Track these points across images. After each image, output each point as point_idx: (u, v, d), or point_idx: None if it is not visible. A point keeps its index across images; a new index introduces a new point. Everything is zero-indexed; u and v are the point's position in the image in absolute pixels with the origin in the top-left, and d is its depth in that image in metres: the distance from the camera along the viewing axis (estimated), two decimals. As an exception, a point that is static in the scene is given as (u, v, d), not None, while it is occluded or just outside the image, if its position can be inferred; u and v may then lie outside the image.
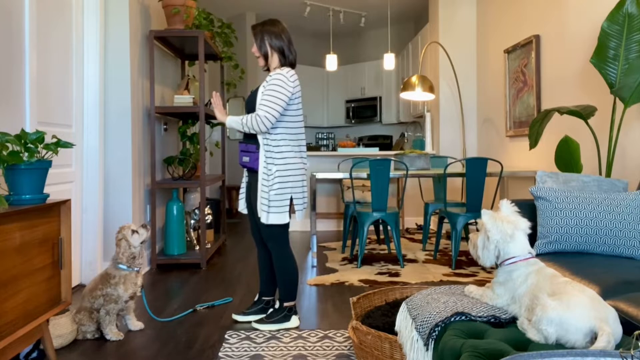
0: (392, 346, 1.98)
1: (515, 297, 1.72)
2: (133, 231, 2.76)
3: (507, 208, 1.84)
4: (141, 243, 2.78)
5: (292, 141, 2.79)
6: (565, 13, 4.14)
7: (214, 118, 5.03)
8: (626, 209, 2.40)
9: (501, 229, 1.78)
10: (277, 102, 2.68)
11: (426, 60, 6.89)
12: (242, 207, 3.01)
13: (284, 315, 2.85)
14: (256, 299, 3.04)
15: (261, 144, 2.77)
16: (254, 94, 2.83)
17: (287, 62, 2.83)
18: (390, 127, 9.20)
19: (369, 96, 9.25)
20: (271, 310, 2.93)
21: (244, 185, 3.00)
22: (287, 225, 2.81)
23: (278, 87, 2.70)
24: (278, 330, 2.80)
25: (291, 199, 2.77)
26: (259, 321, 2.86)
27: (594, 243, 2.42)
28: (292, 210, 2.80)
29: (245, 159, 2.83)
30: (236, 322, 2.94)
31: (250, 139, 2.85)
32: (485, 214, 1.82)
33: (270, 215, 2.73)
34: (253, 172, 2.85)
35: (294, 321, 2.85)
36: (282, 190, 2.73)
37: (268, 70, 2.89)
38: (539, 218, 2.55)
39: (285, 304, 2.86)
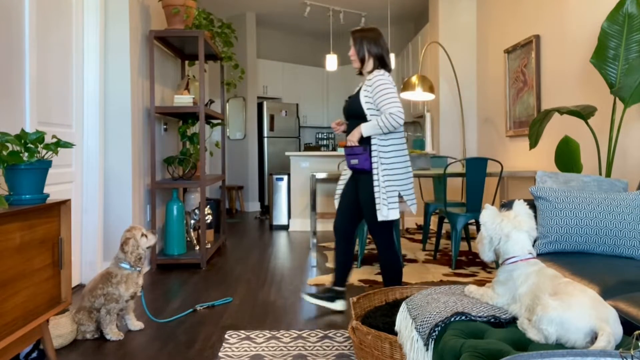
0: (392, 346, 1.97)
1: (516, 297, 1.72)
2: (142, 234, 2.79)
3: (519, 208, 1.83)
4: (147, 248, 2.81)
5: (398, 139, 2.96)
6: (565, 13, 4.14)
7: (214, 118, 5.03)
8: (626, 209, 2.39)
9: (497, 226, 1.78)
10: (397, 98, 2.86)
11: (426, 60, 6.89)
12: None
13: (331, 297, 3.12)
14: (329, 287, 3.19)
15: (374, 145, 2.92)
16: (355, 100, 2.99)
17: (388, 68, 3.03)
18: (390, 127, 9.18)
19: (369, 96, 9.24)
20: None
21: (342, 184, 3.20)
22: (396, 221, 3.16)
23: (388, 86, 2.88)
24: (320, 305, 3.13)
25: (400, 195, 2.94)
26: (312, 295, 3.13)
27: (594, 243, 2.42)
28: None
29: (354, 161, 2.98)
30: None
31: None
32: (487, 209, 1.82)
33: (389, 211, 2.88)
34: (363, 173, 2.98)
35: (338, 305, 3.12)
36: (391, 188, 2.90)
37: (361, 74, 3.08)
38: (539, 218, 2.55)
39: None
